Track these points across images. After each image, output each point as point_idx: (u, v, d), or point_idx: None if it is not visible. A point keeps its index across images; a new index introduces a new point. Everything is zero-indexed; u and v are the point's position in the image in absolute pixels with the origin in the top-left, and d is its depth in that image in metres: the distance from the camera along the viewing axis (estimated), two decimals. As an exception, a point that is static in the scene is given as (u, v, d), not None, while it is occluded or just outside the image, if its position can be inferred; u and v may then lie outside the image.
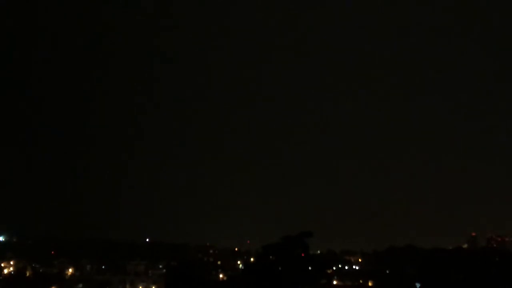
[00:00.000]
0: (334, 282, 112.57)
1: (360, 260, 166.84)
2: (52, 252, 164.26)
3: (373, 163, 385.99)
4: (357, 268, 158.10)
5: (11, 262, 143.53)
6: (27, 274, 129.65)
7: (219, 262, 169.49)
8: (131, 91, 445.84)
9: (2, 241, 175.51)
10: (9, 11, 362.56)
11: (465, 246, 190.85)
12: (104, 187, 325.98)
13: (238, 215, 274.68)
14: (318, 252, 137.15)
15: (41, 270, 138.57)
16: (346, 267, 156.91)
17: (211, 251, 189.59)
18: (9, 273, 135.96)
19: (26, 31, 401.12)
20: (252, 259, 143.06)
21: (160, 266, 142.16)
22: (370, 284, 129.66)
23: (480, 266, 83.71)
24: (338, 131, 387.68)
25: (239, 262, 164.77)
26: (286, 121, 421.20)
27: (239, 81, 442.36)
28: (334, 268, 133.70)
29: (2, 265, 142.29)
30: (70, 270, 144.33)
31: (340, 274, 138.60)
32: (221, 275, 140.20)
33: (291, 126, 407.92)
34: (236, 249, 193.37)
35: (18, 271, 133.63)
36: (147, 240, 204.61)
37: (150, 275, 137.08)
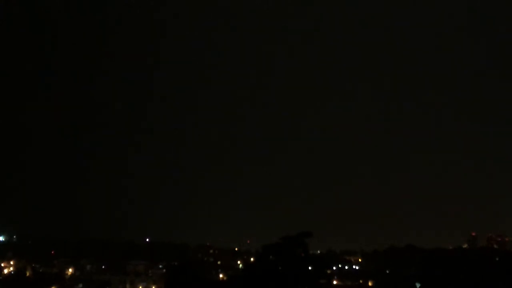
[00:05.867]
0: (334, 282, 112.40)
1: (360, 260, 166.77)
2: (52, 252, 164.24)
3: (373, 163, 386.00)
4: (357, 268, 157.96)
5: (11, 262, 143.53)
6: (27, 274, 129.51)
7: (219, 262, 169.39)
8: (132, 90, 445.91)
9: (2, 241, 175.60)
10: (10, 10, 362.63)
11: (465, 246, 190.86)
12: (104, 187, 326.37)
13: (238, 215, 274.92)
14: (318, 252, 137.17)
15: (41, 270, 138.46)
16: (346, 267, 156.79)
17: (211, 251, 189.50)
18: (9, 273, 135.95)
19: (26, 30, 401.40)
20: (252, 259, 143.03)
21: (160, 266, 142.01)
22: (370, 284, 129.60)
23: (480, 266, 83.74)
24: (338, 131, 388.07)
25: (239, 262, 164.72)
26: (286, 122, 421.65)
27: (241, 84, 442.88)
28: (334, 268, 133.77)
29: (2, 265, 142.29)
30: (70, 270, 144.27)
31: (340, 274, 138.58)
32: (221, 275, 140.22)
33: (292, 126, 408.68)
34: (236, 249, 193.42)
35: (18, 271, 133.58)
36: (147, 240, 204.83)
37: (150, 275, 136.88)
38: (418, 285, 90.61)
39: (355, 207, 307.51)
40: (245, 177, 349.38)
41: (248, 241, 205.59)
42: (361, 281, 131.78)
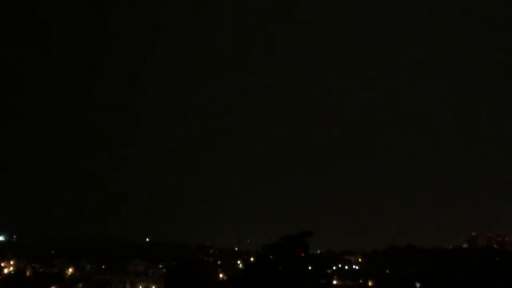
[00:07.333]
0: (334, 282, 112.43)
1: (360, 260, 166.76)
2: (52, 252, 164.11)
3: (373, 163, 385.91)
4: (357, 268, 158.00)
5: (11, 262, 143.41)
6: (27, 274, 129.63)
7: (219, 262, 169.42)
8: (131, 90, 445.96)
9: (2, 241, 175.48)
10: (9, 9, 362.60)
11: (465, 246, 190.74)
12: (105, 187, 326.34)
13: (238, 215, 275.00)
14: (318, 252, 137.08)
15: (41, 270, 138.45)
16: (346, 267, 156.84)
17: (211, 251, 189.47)
18: (9, 273, 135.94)
19: (26, 30, 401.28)
20: (252, 259, 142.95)
21: (160, 266, 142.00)
22: (370, 284, 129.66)
23: (480, 266, 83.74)
24: (338, 131, 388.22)
25: (239, 262, 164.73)
26: (285, 121, 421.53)
27: (237, 80, 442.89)
28: (334, 268, 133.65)
29: (2, 265, 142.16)
30: (70, 270, 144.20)
31: (340, 274, 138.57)
32: (221, 275, 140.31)
33: (292, 126, 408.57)
34: (236, 249, 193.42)
35: (18, 271, 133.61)
36: (147, 240, 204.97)
37: (150, 275, 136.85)
38: (418, 285, 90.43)
39: (355, 207, 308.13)
40: (245, 177, 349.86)
41: (248, 241, 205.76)
42: (361, 281, 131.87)
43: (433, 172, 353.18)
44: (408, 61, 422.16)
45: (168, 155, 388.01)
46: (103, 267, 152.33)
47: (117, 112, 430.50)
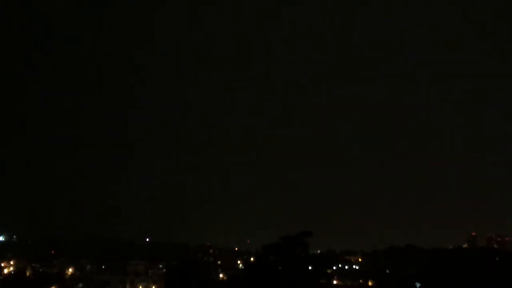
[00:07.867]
0: (334, 282, 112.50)
1: (360, 260, 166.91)
2: (52, 252, 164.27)
3: (373, 163, 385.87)
4: (357, 268, 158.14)
5: (11, 262, 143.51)
6: (27, 274, 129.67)
7: (219, 262, 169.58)
8: (129, 91, 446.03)
9: (2, 241, 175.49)
10: (9, 9, 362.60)
11: (465, 246, 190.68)
12: (104, 187, 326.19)
13: (238, 215, 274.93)
14: (318, 252, 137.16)
15: (41, 270, 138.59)
16: (346, 267, 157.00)
17: (211, 251, 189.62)
18: (9, 273, 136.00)
19: (26, 30, 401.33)
20: (252, 259, 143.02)
21: (160, 266, 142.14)
22: (370, 284, 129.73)
23: (480, 266, 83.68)
24: (338, 131, 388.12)
25: (239, 262, 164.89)
26: (285, 120, 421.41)
27: (237, 80, 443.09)
28: (334, 268, 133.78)
29: (2, 265, 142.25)
30: (70, 270, 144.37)
31: (340, 274, 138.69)
32: (221, 275, 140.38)
33: (291, 125, 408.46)
34: (236, 249, 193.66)
35: (18, 271, 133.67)
36: (147, 240, 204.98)
37: (150, 275, 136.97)
38: (418, 285, 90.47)
39: (355, 207, 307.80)
40: (246, 177, 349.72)
41: (248, 241, 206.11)
42: (361, 281, 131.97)
43: (433, 172, 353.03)
44: (408, 61, 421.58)
45: (168, 155, 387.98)
46: (103, 267, 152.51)
47: (117, 112, 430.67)
